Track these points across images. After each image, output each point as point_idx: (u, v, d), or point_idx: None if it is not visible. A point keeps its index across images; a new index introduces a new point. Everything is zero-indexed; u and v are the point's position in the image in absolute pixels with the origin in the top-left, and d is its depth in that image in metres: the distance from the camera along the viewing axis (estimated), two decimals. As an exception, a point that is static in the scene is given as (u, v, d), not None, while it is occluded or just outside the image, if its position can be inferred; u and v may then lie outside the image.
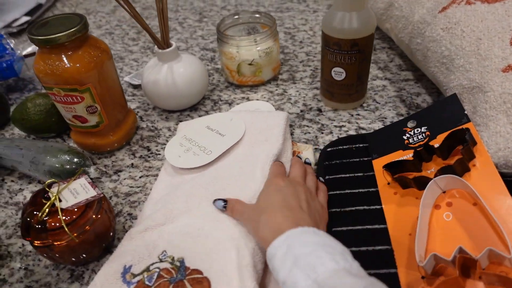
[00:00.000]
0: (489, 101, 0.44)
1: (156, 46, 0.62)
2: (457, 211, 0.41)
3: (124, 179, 0.56)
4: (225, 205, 0.43)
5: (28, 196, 0.55)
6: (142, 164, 0.58)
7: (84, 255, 0.44)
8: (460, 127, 0.44)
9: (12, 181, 0.58)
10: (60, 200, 0.41)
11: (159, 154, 0.60)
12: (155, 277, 0.38)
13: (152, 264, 0.40)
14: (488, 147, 0.42)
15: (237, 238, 0.40)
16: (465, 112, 0.45)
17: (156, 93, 0.63)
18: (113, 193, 0.54)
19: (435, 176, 0.42)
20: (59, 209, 0.40)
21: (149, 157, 0.59)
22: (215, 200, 0.44)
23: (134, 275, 0.39)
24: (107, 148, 0.60)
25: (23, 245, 0.49)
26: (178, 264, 0.39)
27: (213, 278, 0.37)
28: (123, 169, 0.58)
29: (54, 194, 0.41)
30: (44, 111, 0.61)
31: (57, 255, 0.43)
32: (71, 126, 0.59)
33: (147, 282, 0.38)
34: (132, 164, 0.59)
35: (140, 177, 0.56)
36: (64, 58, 0.50)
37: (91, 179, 0.45)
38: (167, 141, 0.62)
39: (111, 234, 0.46)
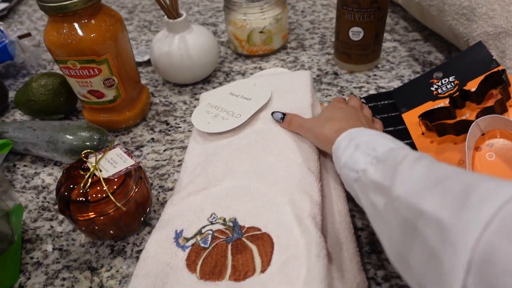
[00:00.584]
0: (519, 43, 0.44)
1: (165, 17, 0.59)
2: (500, 150, 0.41)
3: (148, 153, 0.54)
4: (283, 117, 0.45)
5: (47, 179, 0.52)
6: (163, 138, 0.56)
7: (125, 229, 0.42)
8: (495, 69, 0.44)
9: (25, 165, 0.55)
10: (100, 170, 0.39)
11: (180, 127, 0.58)
12: (209, 239, 0.37)
13: (204, 227, 0.38)
14: (523, 87, 0.43)
15: (289, 193, 0.39)
16: (493, 57, 0.46)
17: (169, 66, 0.61)
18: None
19: (477, 118, 0.42)
20: (101, 179, 0.38)
21: (169, 130, 0.57)
22: (273, 112, 0.47)
23: (187, 239, 0.38)
24: (122, 125, 0.57)
25: (51, 227, 0.46)
26: (231, 224, 0.38)
27: (274, 233, 0.36)
28: (145, 144, 0.56)
29: (93, 164, 0.39)
30: (52, 91, 0.57)
31: (97, 228, 0.41)
32: (84, 104, 0.56)
33: (202, 245, 0.37)
34: (153, 138, 0.56)
35: (164, 151, 0.54)
36: (79, 27, 0.47)
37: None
38: (184, 114, 0.60)
39: (150, 203, 0.44)
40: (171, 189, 0.49)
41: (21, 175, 0.53)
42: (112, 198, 0.38)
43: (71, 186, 0.39)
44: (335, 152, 0.37)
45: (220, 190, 0.41)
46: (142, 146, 0.55)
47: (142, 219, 0.44)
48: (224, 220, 0.39)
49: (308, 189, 0.40)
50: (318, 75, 0.64)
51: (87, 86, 0.52)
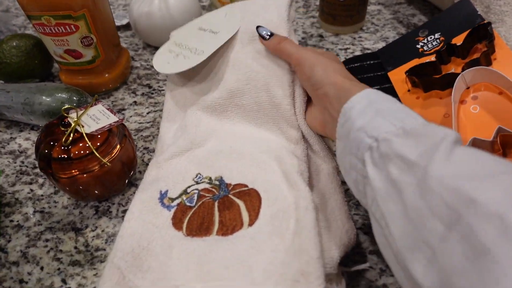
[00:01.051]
0: (503, -3, 0.45)
1: (144, -26, 0.56)
2: (484, 102, 0.42)
3: (131, 116, 0.52)
4: (270, 36, 0.40)
5: (24, 143, 0.50)
6: (146, 101, 0.54)
7: (109, 189, 0.41)
8: (481, 23, 0.45)
9: (0, 131, 0.52)
10: (82, 126, 0.37)
11: (163, 89, 0.56)
12: (195, 197, 0.36)
13: (189, 186, 0.37)
14: (507, 40, 0.43)
15: (274, 149, 0.39)
16: (478, 12, 0.46)
17: (149, 27, 0.58)
18: (121, 130, 0.50)
19: (463, 70, 0.43)
20: (84, 134, 0.37)
21: (152, 93, 0.56)
22: (258, 27, 0.41)
23: (172, 199, 0.37)
24: (102, 88, 0.55)
25: (31, 190, 0.44)
26: (217, 182, 0.37)
27: (261, 188, 0.36)
28: (127, 108, 0.54)
29: (75, 120, 0.37)
30: (25, 52, 0.54)
31: (81, 188, 0.39)
32: (61, 65, 0.53)
33: (188, 204, 0.36)
34: (135, 102, 0.55)
35: (147, 113, 0.53)
36: (52, -21, 0.44)
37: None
38: (167, 76, 0.58)
39: (136, 163, 0.43)
40: (156, 150, 0.48)
41: (-4, 140, 0.51)
42: (97, 154, 0.36)
43: (52, 143, 0.37)
44: (347, 111, 0.30)
45: (204, 150, 0.40)
46: (124, 109, 0.54)
47: (127, 179, 0.43)
48: (210, 179, 0.38)
49: (293, 148, 0.39)
50: (303, 38, 0.63)
51: (63, 45, 0.49)
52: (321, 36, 0.63)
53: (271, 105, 0.41)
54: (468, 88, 0.44)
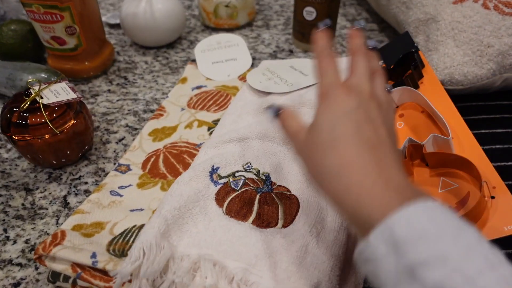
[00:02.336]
0: (440, 29, 0.49)
1: (135, -21, 0.63)
2: (408, 119, 0.46)
3: (101, 102, 0.58)
4: (278, 112, 0.32)
5: (4, 114, 0.56)
6: (119, 90, 0.60)
7: (63, 158, 0.46)
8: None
9: (-14, 101, 0.59)
10: (41, 98, 0.43)
11: (136, 82, 0.62)
12: (241, 183, 0.39)
13: (238, 171, 0.41)
14: (437, 66, 0.47)
15: None
16: (415, 44, 0.50)
17: (134, 26, 0.65)
18: (90, 112, 0.56)
19: (390, 90, 0.47)
20: (41, 105, 0.42)
21: (126, 84, 0.61)
22: (269, 107, 0.33)
23: (221, 177, 0.40)
24: (83, 74, 0.61)
25: (-1, 153, 0.50)
26: (263, 177, 0.40)
27: (302, 198, 0.38)
28: (100, 94, 0.60)
29: (35, 91, 0.43)
30: (20, 36, 0.61)
31: (36, 153, 0.44)
32: (48, 50, 0.59)
33: (233, 186, 0.39)
34: (109, 90, 0.60)
35: (117, 101, 0.58)
36: (45, -26, 0.51)
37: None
38: (143, 72, 0.64)
39: (90, 139, 0.48)
40: (116, 132, 0.53)
41: (-19, 109, 0.57)
42: (48, 122, 0.42)
43: (14, 109, 0.43)
44: (364, 258, 0.22)
45: (260, 144, 0.44)
46: (97, 95, 0.59)
47: (80, 152, 0.48)
48: (258, 172, 0.41)
49: None
50: (274, 51, 0.68)
51: (50, 31, 0.56)
52: (291, 51, 0.68)
53: None
54: (397, 107, 0.48)
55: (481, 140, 0.41)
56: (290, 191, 0.39)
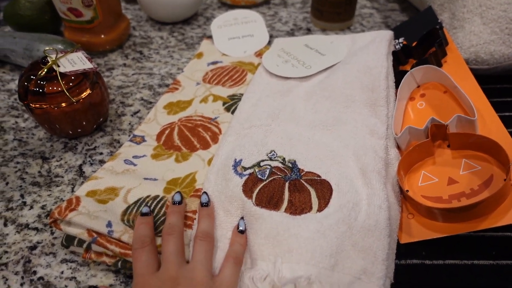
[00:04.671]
0: (467, 5, 0.47)
1: (153, -48, 0.62)
2: (430, 99, 0.44)
3: (117, 75, 0.58)
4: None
5: (21, 84, 0.56)
6: (134, 64, 0.60)
7: (79, 128, 0.46)
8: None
9: (4, 72, 0.59)
10: (58, 66, 0.43)
11: (151, 57, 0.61)
12: (267, 172, 0.38)
13: (262, 161, 0.39)
14: (462, 45, 0.46)
15: (353, 147, 0.40)
16: (439, 20, 0.49)
17: (150, 1, 0.64)
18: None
19: (412, 68, 0.45)
20: (58, 73, 0.42)
21: (141, 59, 0.61)
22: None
23: (245, 168, 0.38)
24: (99, 48, 0.61)
25: (16, 122, 0.50)
26: (290, 165, 0.39)
27: (333, 181, 0.36)
28: (116, 68, 0.59)
29: (53, 59, 0.43)
30: (38, 7, 0.61)
31: (54, 122, 0.44)
32: (65, 22, 0.59)
33: (259, 176, 0.37)
34: (125, 64, 0.60)
35: (132, 74, 0.58)
36: None
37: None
38: (159, 47, 0.63)
39: (106, 110, 0.48)
40: (131, 105, 0.53)
41: (-1, 79, 0.58)
42: (65, 91, 0.42)
43: (31, 77, 0.43)
44: None
45: (283, 131, 0.42)
46: (113, 69, 0.59)
47: (95, 123, 0.48)
48: (284, 159, 0.39)
49: (374, 145, 0.40)
50: (291, 29, 0.67)
51: (66, 2, 0.55)
52: (308, 29, 0.67)
53: (366, 89, 0.44)
54: (418, 86, 0.46)
55: (506, 123, 0.40)
56: (320, 176, 0.37)
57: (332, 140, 0.41)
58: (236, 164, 0.39)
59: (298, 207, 0.35)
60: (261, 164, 0.39)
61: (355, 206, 0.34)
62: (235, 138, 0.43)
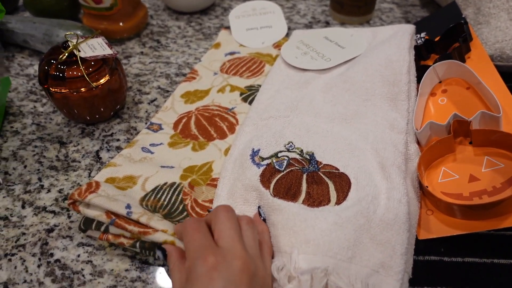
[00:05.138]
0: (493, 0, 0.46)
1: None
2: (451, 95, 0.44)
3: (134, 63, 0.58)
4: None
5: (39, 70, 0.57)
6: (152, 53, 0.60)
7: (96, 114, 0.46)
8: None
9: (23, 57, 0.59)
10: (79, 51, 0.43)
11: (169, 46, 0.61)
12: (285, 164, 0.38)
13: (280, 152, 0.39)
14: (487, 40, 0.45)
15: (372, 141, 0.39)
16: (463, 15, 0.48)
17: (169, -11, 0.64)
18: (123, 73, 0.56)
19: (434, 63, 0.44)
20: (78, 58, 0.42)
21: (158, 48, 0.61)
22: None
23: (263, 158, 0.38)
24: (117, 35, 0.61)
25: (34, 106, 0.51)
26: (307, 157, 0.38)
27: (352, 175, 0.36)
28: (133, 56, 0.59)
29: (73, 44, 0.43)
30: (57, -7, 0.61)
31: (72, 107, 0.45)
32: (84, 8, 0.59)
33: (277, 167, 0.37)
34: (142, 52, 0.60)
35: (149, 63, 0.58)
36: None
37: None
38: (176, 37, 0.63)
39: (123, 97, 0.48)
40: (148, 93, 0.53)
41: (18, 64, 0.58)
42: (86, 76, 0.42)
43: (52, 61, 0.43)
44: None
45: (301, 123, 0.42)
46: (130, 57, 0.59)
47: (113, 110, 0.48)
48: (302, 151, 0.39)
49: (393, 139, 0.39)
50: (310, 22, 0.66)
51: (87, -11, 0.55)
52: (327, 22, 0.66)
53: (387, 83, 0.43)
54: (440, 82, 0.46)
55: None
56: (338, 169, 0.37)
57: (351, 133, 0.40)
58: (254, 154, 0.39)
59: (316, 199, 0.34)
60: (279, 155, 0.39)
61: (374, 199, 0.33)
62: (253, 129, 0.43)
